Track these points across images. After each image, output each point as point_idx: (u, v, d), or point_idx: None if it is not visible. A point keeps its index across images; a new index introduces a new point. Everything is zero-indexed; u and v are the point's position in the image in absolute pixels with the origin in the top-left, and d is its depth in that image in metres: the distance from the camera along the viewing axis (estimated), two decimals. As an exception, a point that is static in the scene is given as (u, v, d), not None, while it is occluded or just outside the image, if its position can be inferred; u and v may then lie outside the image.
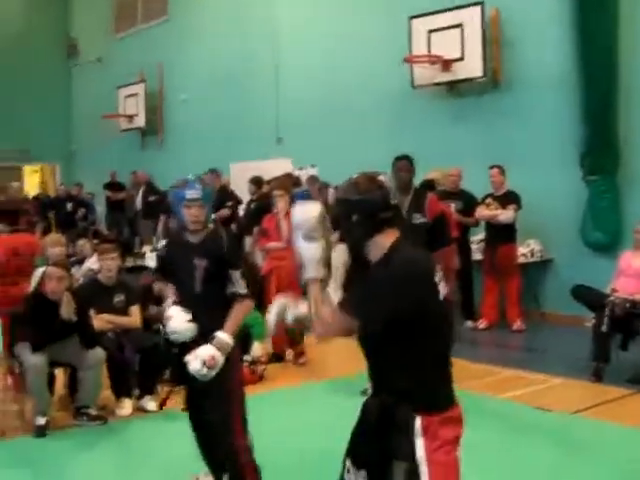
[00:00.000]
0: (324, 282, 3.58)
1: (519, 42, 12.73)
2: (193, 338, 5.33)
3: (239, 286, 5.41)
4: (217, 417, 5.33)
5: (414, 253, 3.58)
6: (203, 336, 5.27)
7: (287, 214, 10.10)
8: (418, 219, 7.73)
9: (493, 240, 11.85)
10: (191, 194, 5.42)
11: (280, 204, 10.17)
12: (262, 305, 9.18)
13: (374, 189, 3.56)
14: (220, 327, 5.26)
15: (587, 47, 11.55)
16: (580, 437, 7.15)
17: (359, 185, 3.59)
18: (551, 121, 12.25)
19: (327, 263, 3.59)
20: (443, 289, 3.56)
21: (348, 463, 3.68)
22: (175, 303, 5.57)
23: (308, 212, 3.64)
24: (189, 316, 5.44)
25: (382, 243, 3.55)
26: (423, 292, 3.46)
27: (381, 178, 3.62)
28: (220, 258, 5.41)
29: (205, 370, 5.12)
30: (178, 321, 5.43)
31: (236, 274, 5.41)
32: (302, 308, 3.80)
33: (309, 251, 3.59)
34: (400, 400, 3.49)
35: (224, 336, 5.22)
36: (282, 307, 3.91)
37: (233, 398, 5.35)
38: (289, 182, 12.49)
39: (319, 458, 6.35)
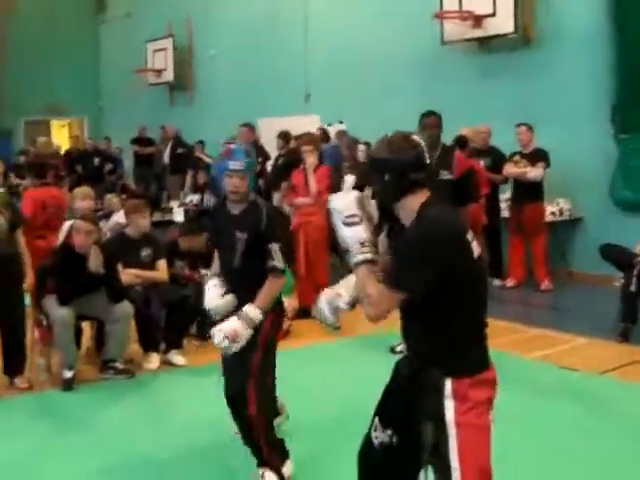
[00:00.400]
0: (373, 262, 3.49)
1: (552, -3, 12.57)
2: (232, 310, 5.33)
3: (277, 260, 5.34)
4: (232, 388, 5.35)
5: (442, 213, 3.50)
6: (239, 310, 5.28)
7: (315, 170, 10.07)
8: (445, 175, 7.69)
9: (520, 198, 11.75)
10: (234, 165, 5.35)
11: (309, 159, 10.11)
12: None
13: (407, 148, 3.49)
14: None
15: (621, 1, 11.41)
16: (606, 397, 7.12)
17: (392, 144, 3.52)
18: (582, 78, 12.08)
19: (374, 243, 3.53)
20: (477, 248, 3.51)
21: (376, 421, 3.70)
22: (214, 276, 5.60)
23: (345, 197, 3.58)
24: (222, 289, 5.47)
25: (412, 204, 3.49)
26: (451, 253, 3.39)
27: (415, 137, 3.54)
28: (259, 231, 5.36)
29: (226, 342, 5.12)
30: (210, 298, 5.46)
31: (275, 247, 5.33)
32: (345, 296, 3.75)
33: (353, 236, 3.50)
34: (431, 362, 3.48)
35: (251, 310, 5.19)
36: (331, 303, 3.83)
37: (250, 368, 5.32)
38: (318, 138, 12.42)
39: (344, 415, 6.39)
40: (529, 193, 11.62)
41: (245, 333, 5.14)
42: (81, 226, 7.53)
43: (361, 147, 12.97)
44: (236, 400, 5.30)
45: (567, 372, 7.75)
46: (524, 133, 11.74)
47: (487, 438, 3.51)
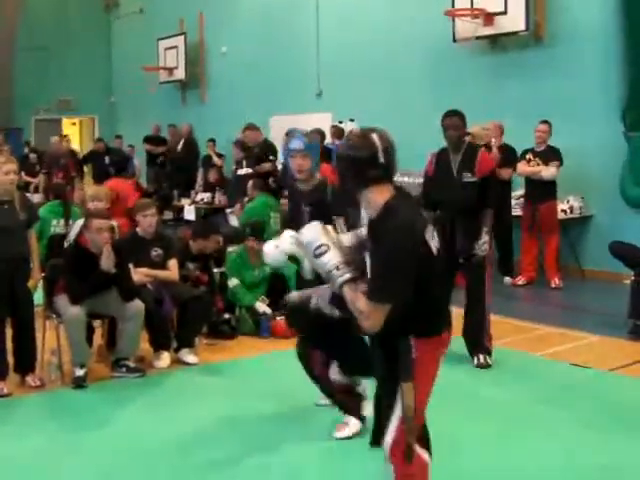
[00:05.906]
0: (354, 280, 3.69)
1: (563, -6, 12.55)
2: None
3: (343, 232, 5.61)
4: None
5: (403, 210, 3.67)
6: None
7: None
8: (467, 178, 7.63)
9: (534, 197, 11.69)
10: (294, 145, 6.00)
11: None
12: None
13: (363, 146, 3.68)
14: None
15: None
16: (617, 394, 7.12)
17: (350, 141, 3.78)
18: (593, 77, 12.08)
19: (349, 261, 3.71)
20: (436, 242, 3.74)
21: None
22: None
23: (307, 232, 3.81)
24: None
25: (374, 198, 3.70)
26: (416, 247, 3.61)
27: (373, 136, 3.69)
28: (324, 205, 5.87)
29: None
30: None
31: (339, 221, 5.79)
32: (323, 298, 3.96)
33: (327, 264, 3.71)
34: (398, 331, 3.72)
35: None
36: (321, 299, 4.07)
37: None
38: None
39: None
40: (543, 191, 11.58)
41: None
42: (95, 224, 7.53)
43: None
44: None
45: (578, 369, 7.75)
46: (545, 131, 11.62)
47: (432, 378, 3.89)
